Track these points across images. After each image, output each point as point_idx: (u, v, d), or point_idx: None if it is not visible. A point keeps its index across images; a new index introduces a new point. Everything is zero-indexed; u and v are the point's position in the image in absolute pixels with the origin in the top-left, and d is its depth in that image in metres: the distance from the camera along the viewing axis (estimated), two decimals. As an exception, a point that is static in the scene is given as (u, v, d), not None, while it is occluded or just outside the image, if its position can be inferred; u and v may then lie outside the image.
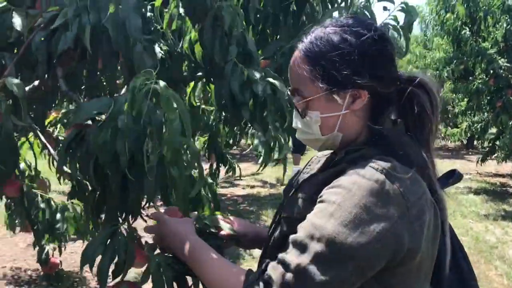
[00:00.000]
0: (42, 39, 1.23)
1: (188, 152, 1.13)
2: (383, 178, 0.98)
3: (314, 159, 1.30)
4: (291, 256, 0.99)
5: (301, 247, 0.99)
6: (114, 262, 1.22)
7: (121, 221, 1.23)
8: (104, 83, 1.48)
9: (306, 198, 1.10)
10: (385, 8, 2.36)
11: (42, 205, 1.98)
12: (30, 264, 4.84)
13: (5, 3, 1.32)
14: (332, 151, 1.22)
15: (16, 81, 1.06)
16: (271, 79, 1.47)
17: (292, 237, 1.02)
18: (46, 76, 1.27)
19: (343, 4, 2.21)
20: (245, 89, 1.45)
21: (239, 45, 1.53)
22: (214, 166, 5.24)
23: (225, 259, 1.15)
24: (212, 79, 1.63)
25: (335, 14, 2.15)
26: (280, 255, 1.01)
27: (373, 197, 0.96)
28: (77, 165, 1.16)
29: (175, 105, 1.05)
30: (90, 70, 1.32)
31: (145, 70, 1.05)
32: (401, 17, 2.28)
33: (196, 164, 1.13)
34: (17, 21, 1.27)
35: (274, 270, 1.00)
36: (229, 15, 1.43)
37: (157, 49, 1.48)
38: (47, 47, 1.24)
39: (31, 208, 1.92)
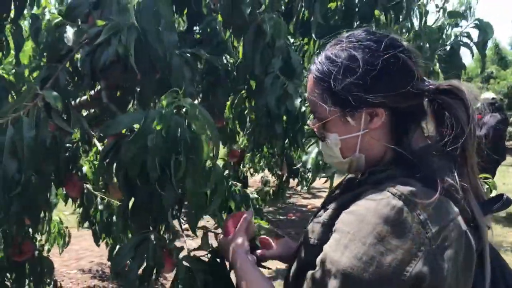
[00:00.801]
0: (87, 53, 1.32)
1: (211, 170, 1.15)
2: (401, 205, 0.91)
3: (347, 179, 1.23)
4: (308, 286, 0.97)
5: (319, 284, 0.96)
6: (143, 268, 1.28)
7: (151, 229, 1.27)
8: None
9: (325, 223, 1.06)
10: (456, 25, 2.27)
11: (101, 207, 2.10)
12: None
13: (60, 18, 1.43)
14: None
15: (54, 93, 1.15)
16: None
17: (310, 273, 0.99)
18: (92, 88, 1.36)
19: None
20: (281, 104, 1.44)
21: (282, 58, 1.53)
22: (285, 177, 5.28)
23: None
24: (251, 92, 1.64)
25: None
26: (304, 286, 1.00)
27: (388, 225, 0.90)
28: (113, 175, 1.23)
29: (203, 123, 1.08)
30: (130, 84, 1.39)
31: (171, 90, 1.09)
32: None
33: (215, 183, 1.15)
34: (68, 36, 1.37)
35: None
36: (271, 27, 1.43)
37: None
38: (91, 61, 1.32)
39: (90, 209, 2.05)
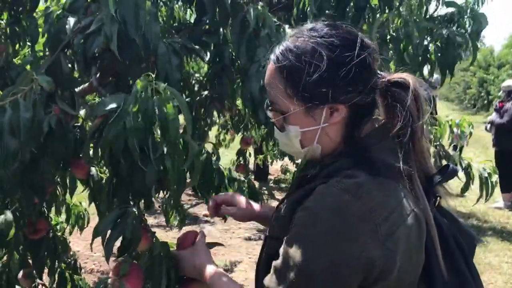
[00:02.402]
0: (81, 41, 1.43)
1: (188, 148, 1.24)
2: (348, 197, 0.96)
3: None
4: (272, 284, 1.03)
5: (280, 276, 1.01)
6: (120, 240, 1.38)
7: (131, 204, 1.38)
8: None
9: (282, 217, 1.09)
10: (452, 14, 2.30)
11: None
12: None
13: (61, 11, 1.54)
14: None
15: (47, 78, 1.26)
16: None
17: (274, 263, 1.04)
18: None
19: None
20: (265, 92, 1.51)
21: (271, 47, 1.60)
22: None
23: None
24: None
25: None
26: (265, 282, 1.05)
27: (339, 218, 0.96)
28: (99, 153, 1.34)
29: (175, 103, 1.17)
30: (119, 70, 1.49)
31: (145, 74, 1.19)
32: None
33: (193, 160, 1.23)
34: (68, 27, 1.48)
35: None
36: (254, 18, 1.51)
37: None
38: (84, 48, 1.44)
39: (96, 189, 2.18)
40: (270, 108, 1.14)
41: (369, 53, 1.07)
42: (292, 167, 7.76)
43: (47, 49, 1.62)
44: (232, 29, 1.60)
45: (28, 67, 2.80)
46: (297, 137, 1.11)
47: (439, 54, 2.23)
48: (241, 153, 4.38)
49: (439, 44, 2.23)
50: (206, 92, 2.56)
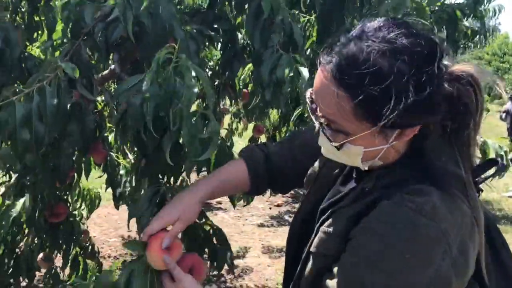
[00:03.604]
0: (101, 29, 1.48)
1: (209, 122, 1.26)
2: (423, 221, 0.89)
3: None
4: None
5: None
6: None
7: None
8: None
9: (337, 234, 1.01)
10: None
11: (122, 172, 2.29)
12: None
13: (80, -1, 1.59)
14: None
15: (72, 65, 1.31)
16: (302, 69, 1.55)
17: (329, 284, 0.97)
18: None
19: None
20: (274, 73, 1.55)
21: (284, 34, 1.63)
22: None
23: None
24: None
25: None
26: None
27: (413, 243, 0.89)
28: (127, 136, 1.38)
29: (193, 73, 1.20)
30: (140, 57, 1.54)
31: (169, 44, 1.22)
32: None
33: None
34: (86, 14, 1.52)
35: None
36: (267, 4, 1.54)
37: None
38: (105, 36, 1.48)
39: (113, 174, 2.25)
40: (325, 122, 0.98)
41: (442, 57, 0.92)
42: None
43: (66, 37, 1.66)
44: (247, 16, 1.64)
45: (45, 55, 2.87)
46: (358, 155, 0.98)
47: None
48: (253, 141, 4.41)
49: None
50: (219, 81, 2.60)
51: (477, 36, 4.02)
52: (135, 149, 1.41)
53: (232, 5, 1.95)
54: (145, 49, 1.45)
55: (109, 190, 2.37)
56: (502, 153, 2.55)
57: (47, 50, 2.01)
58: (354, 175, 1.11)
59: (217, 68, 2.81)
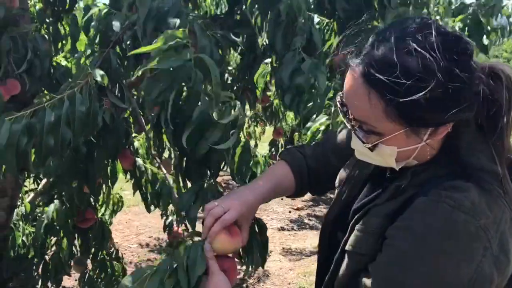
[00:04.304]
0: (129, 37, 1.53)
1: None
2: (462, 218, 0.88)
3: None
4: None
5: None
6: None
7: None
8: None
9: (373, 232, 1.00)
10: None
11: (152, 178, 2.34)
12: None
13: (108, 9, 1.64)
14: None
15: (101, 72, 1.36)
16: (320, 74, 1.57)
17: (367, 285, 0.97)
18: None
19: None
20: (294, 77, 1.58)
21: (307, 37, 1.66)
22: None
23: None
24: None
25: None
26: None
27: (453, 240, 0.88)
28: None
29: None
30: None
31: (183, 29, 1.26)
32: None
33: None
34: (115, 24, 1.57)
35: None
36: (286, 8, 1.57)
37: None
38: (133, 43, 1.52)
39: (142, 179, 2.29)
40: (356, 125, 0.98)
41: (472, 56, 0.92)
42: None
43: (95, 46, 1.71)
44: (269, 19, 1.66)
45: (70, 64, 2.94)
46: (392, 156, 0.98)
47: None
48: (273, 143, 4.44)
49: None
50: (238, 85, 2.62)
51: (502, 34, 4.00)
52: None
53: (252, 10, 1.97)
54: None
55: (131, 197, 2.41)
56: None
57: (78, 60, 2.06)
58: (387, 174, 1.09)
59: (236, 72, 2.83)
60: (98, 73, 1.34)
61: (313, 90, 1.57)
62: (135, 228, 6.14)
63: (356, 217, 1.06)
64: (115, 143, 1.55)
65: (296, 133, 5.63)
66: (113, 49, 1.63)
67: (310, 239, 5.64)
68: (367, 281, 0.97)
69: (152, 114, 1.40)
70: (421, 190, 0.95)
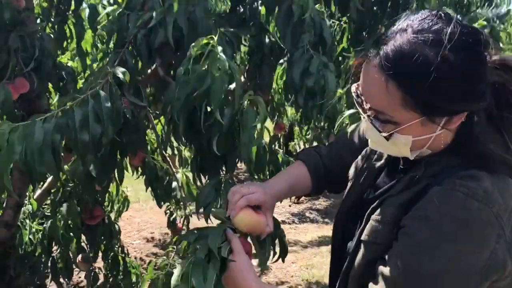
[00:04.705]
0: (143, 36, 1.56)
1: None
2: (476, 205, 0.90)
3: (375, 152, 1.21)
4: None
5: (397, 287, 0.96)
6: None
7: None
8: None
9: (388, 222, 1.02)
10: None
11: (160, 173, 2.38)
12: (174, 230, 5.49)
13: (121, 9, 1.66)
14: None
15: (122, 69, 1.39)
16: (328, 73, 1.61)
17: (383, 272, 0.98)
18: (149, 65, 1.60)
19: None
20: (305, 77, 1.62)
21: (314, 33, 1.70)
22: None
23: None
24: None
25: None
26: None
27: (468, 227, 0.90)
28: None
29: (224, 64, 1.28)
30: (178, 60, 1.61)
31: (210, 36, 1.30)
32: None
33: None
34: (130, 23, 1.60)
35: None
36: (300, 6, 1.60)
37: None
38: (147, 42, 1.56)
39: (152, 175, 2.33)
40: (372, 114, 1.01)
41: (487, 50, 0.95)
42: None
43: (109, 47, 1.74)
44: (278, 16, 1.69)
45: (74, 64, 2.96)
46: (407, 145, 1.00)
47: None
48: (274, 138, 4.48)
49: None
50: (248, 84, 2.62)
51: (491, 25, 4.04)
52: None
53: (253, 7, 1.99)
54: (184, 54, 1.52)
55: (131, 193, 2.44)
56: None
57: (94, 61, 2.09)
58: (401, 165, 1.12)
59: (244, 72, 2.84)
60: (120, 71, 1.37)
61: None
62: (137, 224, 6.17)
63: (371, 208, 1.07)
64: (137, 140, 1.58)
65: (296, 128, 5.66)
66: (127, 48, 1.66)
67: (311, 232, 5.69)
68: (384, 270, 0.98)
69: (157, 112, 1.43)
70: (435, 180, 0.97)
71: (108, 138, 1.32)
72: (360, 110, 1.04)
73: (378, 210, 1.05)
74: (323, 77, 1.62)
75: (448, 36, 0.89)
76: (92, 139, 1.29)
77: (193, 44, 1.29)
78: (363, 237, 1.06)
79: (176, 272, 1.10)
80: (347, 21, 2.29)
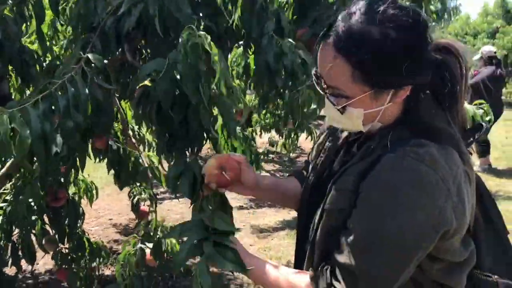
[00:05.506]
0: (112, 22, 1.60)
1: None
2: (425, 169, 1.00)
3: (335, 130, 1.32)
4: (354, 261, 1.03)
5: (362, 253, 1.04)
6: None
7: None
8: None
9: (348, 189, 1.09)
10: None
11: (124, 156, 2.41)
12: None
13: (89, -7, 1.69)
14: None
15: (97, 56, 1.43)
16: (301, 52, 1.70)
17: (346, 239, 1.05)
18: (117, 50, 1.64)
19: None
20: (279, 60, 1.70)
21: (275, 21, 1.78)
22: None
23: (284, 269, 1.21)
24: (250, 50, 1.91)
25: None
26: (341, 261, 1.06)
27: (419, 188, 1.00)
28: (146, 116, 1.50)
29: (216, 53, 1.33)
30: (151, 45, 1.66)
31: (188, 26, 1.35)
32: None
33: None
34: (98, 9, 1.63)
35: (342, 280, 1.05)
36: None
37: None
38: (116, 28, 1.60)
39: (115, 159, 2.37)
40: (329, 91, 1.12)
41: (429, 30, 1.07)
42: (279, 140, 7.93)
43: (78, 30, 1.76)
44: (243, 5, 1.76)
45: (34, 47, 2.92)
46: (359, 118, 1.11)
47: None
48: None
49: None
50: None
51: (440, 17, 4.23)
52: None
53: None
54: (154, 41, 1.57)
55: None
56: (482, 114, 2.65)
57: (62, 47, 2.09)
58: (357, 142, 1.22)
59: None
60: (94, 57, 1.41)
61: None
62: (94, 211, 6.12)
63: (332, 180, 1.15)
64: (107, 123, 1.61)
65: (255, 115, 5.74)
66: (94, 33, 1.69)
67: (269, 217, 5.82)
68: (346, 237, 1.06)
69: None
70: (388, 150, 1.07)
71: (87, 123, 1.35)
72: (319, 89, 1.16)
73: (339, 180, 1.13)
74: (299, 56, 1.71)
75: (390, 16, 1.02)
76: (76, 126, 1.32)
77: (182, 33, 1.34)
78: (326, 206, 1.14)
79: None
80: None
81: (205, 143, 1.57)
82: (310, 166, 1.39)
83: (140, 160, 2.40)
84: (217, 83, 1.31)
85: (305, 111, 3.64)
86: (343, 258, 1.06)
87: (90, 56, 1.42)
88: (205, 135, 1.50)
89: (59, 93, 1.33)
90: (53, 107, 1.32)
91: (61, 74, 1.37)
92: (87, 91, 1.37)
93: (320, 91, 1.16)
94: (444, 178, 1.01)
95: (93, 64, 1.41)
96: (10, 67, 2.22)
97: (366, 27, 1.02)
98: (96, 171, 5.70)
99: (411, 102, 1.12)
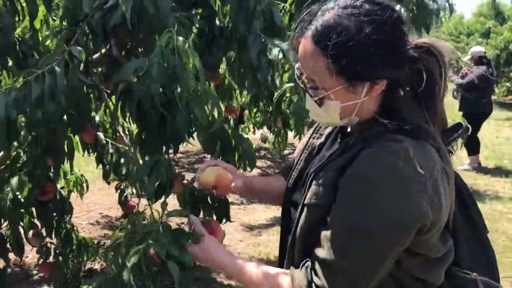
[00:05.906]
0: (99, 17, 1.61)
1: (204, 93, 1.42)
2: (401, 164, 1.02)
3: (323, 127, 1.36)
4: (334, 256, 1.06)
5: (341, 247, 1.06)
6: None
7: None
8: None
9: (327, 184, 1.11)
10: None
11: (111, 150, 2.43)
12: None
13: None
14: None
15: (79, 48, 1.44)
16: (283, 45, 1.71)
17: (327, 234, 1.08)
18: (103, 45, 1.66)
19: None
20: (262, 56, 1.72)
21: (266, 19, 1.80)
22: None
23: (263, 267, 1.22)
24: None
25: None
26: (321, 257, 1.08)
27: (395, 182, 1.02)
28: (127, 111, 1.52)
29: (190, 58, 1.36)
30: (134, 41, 1.68)
31: (168, 29, 1.37)
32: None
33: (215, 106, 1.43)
34: (84, 3, 1.64)
35: (322, 275, 1.07)
36: (251, -6, 1.69)
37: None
38: (103, 23, 1.61)
39: (103, 153, 2.38)
40: (307, 84, 1.16)
41: (405, 24, 1.10)
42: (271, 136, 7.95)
43: (64, 23, 1.77)
44: (231, 4, 1.78)
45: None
46: (336, 111, 1.14)
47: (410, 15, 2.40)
48: (225, 120, 4.56)
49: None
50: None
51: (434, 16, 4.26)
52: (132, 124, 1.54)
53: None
54: (138, 36, 1.58)
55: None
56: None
57: (48, 38, 2.10)
58: (338, 139, 1.25)
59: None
60: (76, 49, 1.43)
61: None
62: (85, 205, 6.12)
63: (312, 175, 1.17)
64: (83, 117, 1.63)
65: (246, 111, 5.76)
66: (79, 27, 1.70)
67: (259, 213, 5.84)
68: (326, 232, 1.08)
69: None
70: (366, 145, 1.09)
71: (62, 114, 1.37)
72: (300, 83, 1.19)
73: (320, 174, 1.15)
74: (281, 51, 1.72)
75: (365, 11, 1.05)
76: (46, 118, 1.33)
77: (159, 38, 1.35)
78: (306, 200, 1.16)
79: None
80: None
81: (182, 145, 1.60)
82: (294, 163, 1.42)
83: (128, 155, 2.41)
84: (188, 88, 1.33)
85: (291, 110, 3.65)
86: (323, 253, 1.08)
87: (71, 49, 1.43)
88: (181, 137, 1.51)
89: (34, 83, 1.34)
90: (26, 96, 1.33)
91: (44, 65, 1.38)
92: (64, 82, 1.37)
93: (301, 84, 1.18)
94: (420, 173, 1.03)
95: (74, 57, 1.42)
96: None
97: (342, 20, 1.05)
98: (88, 165, 5.69)
99: (388, 98, 1.14)
